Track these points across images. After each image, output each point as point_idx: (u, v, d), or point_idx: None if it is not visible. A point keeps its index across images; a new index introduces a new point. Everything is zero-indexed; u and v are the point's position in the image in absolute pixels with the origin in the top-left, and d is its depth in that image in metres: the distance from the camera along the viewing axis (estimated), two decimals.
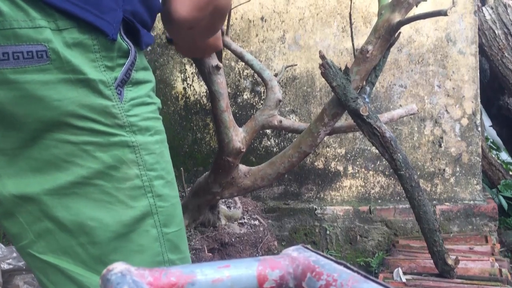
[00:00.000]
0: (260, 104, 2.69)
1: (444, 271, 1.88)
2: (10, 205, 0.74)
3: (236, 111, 2.68)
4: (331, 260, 0.45)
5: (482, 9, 2.91)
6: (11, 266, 1.93)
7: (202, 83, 2.67)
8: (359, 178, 2.67)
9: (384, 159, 1.90)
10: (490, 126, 3.47)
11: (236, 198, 2.39)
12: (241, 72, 2.69)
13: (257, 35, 2.67)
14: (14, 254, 1.93)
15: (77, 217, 0.73)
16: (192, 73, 2.72)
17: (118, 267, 0.43)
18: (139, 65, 0.78)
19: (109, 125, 0.73)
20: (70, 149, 0.72)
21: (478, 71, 2.60)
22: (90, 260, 0.75)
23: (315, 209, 2.63)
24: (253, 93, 2.70)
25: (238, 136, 1.80)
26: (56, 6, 0.67)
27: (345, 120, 2.22)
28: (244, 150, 1.82)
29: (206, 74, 1.56)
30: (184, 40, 0.99)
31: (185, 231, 0.88)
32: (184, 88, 2.73)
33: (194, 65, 2.59)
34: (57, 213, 0.73)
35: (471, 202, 2.60)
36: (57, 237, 0.74)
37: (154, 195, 0.78)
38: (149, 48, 2.73)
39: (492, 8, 2.91)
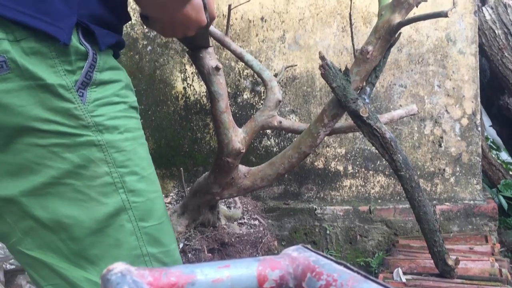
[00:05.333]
0: (260, 104, 2.69)
1: (445, 271, 1.88)
2: None
3: (236, 111, 2.68)
4: (331, 260, 0.45)
5: (482, 9, 2.91)
6: (13, 266, 1.94)
7: (202, 83, 2.67)
8: (359, 178, 2.67)
9: (384, 159, 1.90)
10: (490, 126, 3.47)
11: (236, 198, 2.39)
12: (241, 72, 2.69)
13: (257, 35, 2.67)
14: None
15: (54, 215, 0.77)
16: (192, 73, 2.72)
17: (118, 267, 0.43)
18: (103, 66, 0.80)
19: (73, 126, 0.76)
20: (39, 152, 0.75)
21: (478, 71, 2.60)
22: (71, 255, 0.78)
23: (315, 209, 2.63)
24: (253, 93, 2.70)
25: (237, 137, 1.80)
26: (10, 18, 0.71)
27: (345, 120, 2.22)
28: (243, 150, 1.82)
29: (205, 75, 1.56)
30: (159, 12, 0.93)
31: (169, 224, 0.89)
32: (184, 88, 2.73)
33: (194, 65, 2.59)
34: (35, 212, 0.77)
35: (471, 202, 2.60)
36: (40, 234, 0.78)
37: (126, 190, 0.81)
38: (149, 48, 2.73)
39: (492, 8, 2.91)
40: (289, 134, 2.65)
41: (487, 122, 3.49)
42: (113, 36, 0.83)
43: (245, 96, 2.70)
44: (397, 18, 1.68)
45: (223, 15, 2.64)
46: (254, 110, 2.68)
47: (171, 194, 2.62)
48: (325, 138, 2.18)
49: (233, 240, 2.13)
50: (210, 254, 2.07)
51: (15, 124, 0.74)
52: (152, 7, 0.90)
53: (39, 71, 0.73)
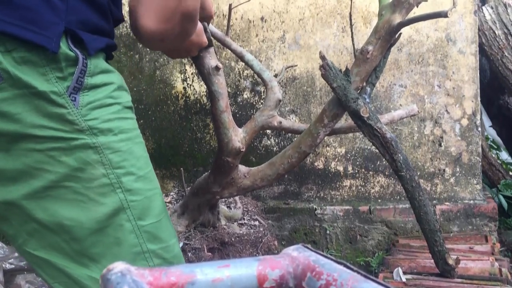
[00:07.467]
0: (260, 103, 2.69)
1: (445, 271, 1.88)
2: (2, 210, 0.80)
3: (236, 111, 2.68)
4: (331, 259, 0.45)
5: (482, 9, 2.91)
6: (12, 266, 1.94)
7: (202, 83, 2.66)
8: (359, 178, 2.67)
9: (384, 159, 1.90)
10: (490, 126, 3.47)
11: (237, 198, 2.39)
12: (241, 72, 2.69)
13: (257, 35, 2.67)
14: (16, 254, 1.94)
15: (54, 217, 0.79)
16: (192, 73, 2.72)
17: (118, 266, 0.43)
18: (94, 70, 0.81)
19: (68, 131, 0.78)
20: (38, 156, 0.78)
21: (478, 71, 2.60)
22: (74, 254, 0.81)
23: (315, 209, 2.63)
24: (253, 93, 2.70)
25: (237, 136, 1.80)
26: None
27: (345, 120, 2.22)
28: (243, 150, 1.82)
29: (205, 75, 1.56)
30: (160, 48, 1.01)
31: (167, 220, 0.91)
32: (184, 88, 2.73)
33: (194, 65, 2.59)
34: (37, 215, 0.79)
35: (471, 202, 2.60)
36: (44, 235, 0.81)
37: (124, 190, 0.83)
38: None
39: (492, 8, 2.91)
40: (289, 134, 2.65)
41: (487, 122, 3.49)
42: (102, 40, 0.84)
43: (245, 96, 2.70)
44: (397, 18, 1.68)
45: (223, 15, 2.64)
46: (254, 110, 2.68)
47: (171, 194, 2.62)
48: (325, 138, 2.18)
49: (233, 239, 2.14)
50: (210, 253, 2.07)
51: (13, 131, 0.76)
52: (155, 46, 0.95)
53: (31, 80, 0.75)
